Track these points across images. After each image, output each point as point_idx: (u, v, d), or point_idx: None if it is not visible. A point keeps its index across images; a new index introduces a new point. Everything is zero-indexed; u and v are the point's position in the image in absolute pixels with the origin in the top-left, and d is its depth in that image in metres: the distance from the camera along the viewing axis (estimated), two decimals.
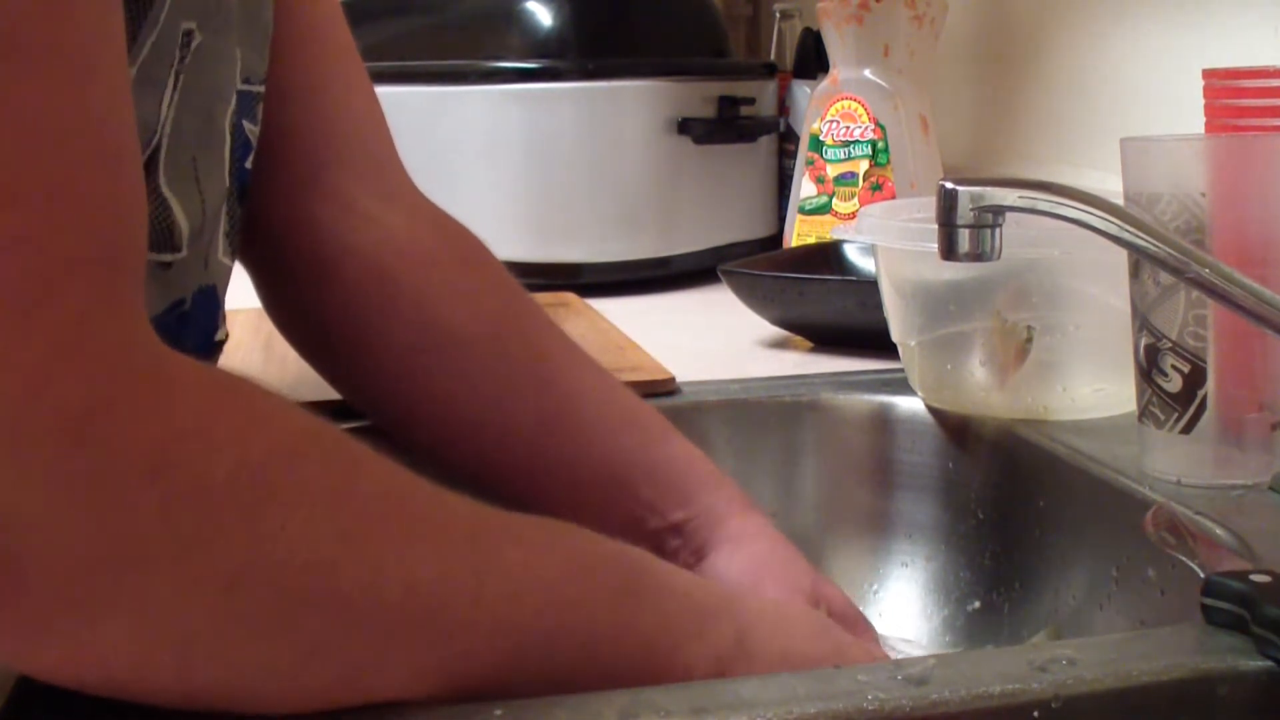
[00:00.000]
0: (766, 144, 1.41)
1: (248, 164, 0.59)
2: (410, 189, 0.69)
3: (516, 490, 0.65)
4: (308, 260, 0.64)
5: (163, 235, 0.51)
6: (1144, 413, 0.64)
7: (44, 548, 0.32)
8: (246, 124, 0.58)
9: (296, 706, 0.39)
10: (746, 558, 0.65)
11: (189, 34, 0.50)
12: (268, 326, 0.71)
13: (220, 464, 0.35)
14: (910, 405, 0.81)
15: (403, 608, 0.40)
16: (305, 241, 0.64)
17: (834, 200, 1.23)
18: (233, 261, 0.60)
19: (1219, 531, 0.56)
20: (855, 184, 1.22)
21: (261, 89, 0.59)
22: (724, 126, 1.32)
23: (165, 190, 0.51)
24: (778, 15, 1.59)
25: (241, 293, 0.65)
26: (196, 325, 0.55)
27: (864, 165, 1.21)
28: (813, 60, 1.44)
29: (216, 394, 0.37)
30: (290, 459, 0.38)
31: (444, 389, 0.65)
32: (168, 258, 0.52)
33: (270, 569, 0.36)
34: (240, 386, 0.38)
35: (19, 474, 0.32)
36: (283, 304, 0.67)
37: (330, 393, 0.68)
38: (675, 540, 0.65)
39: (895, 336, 0.81)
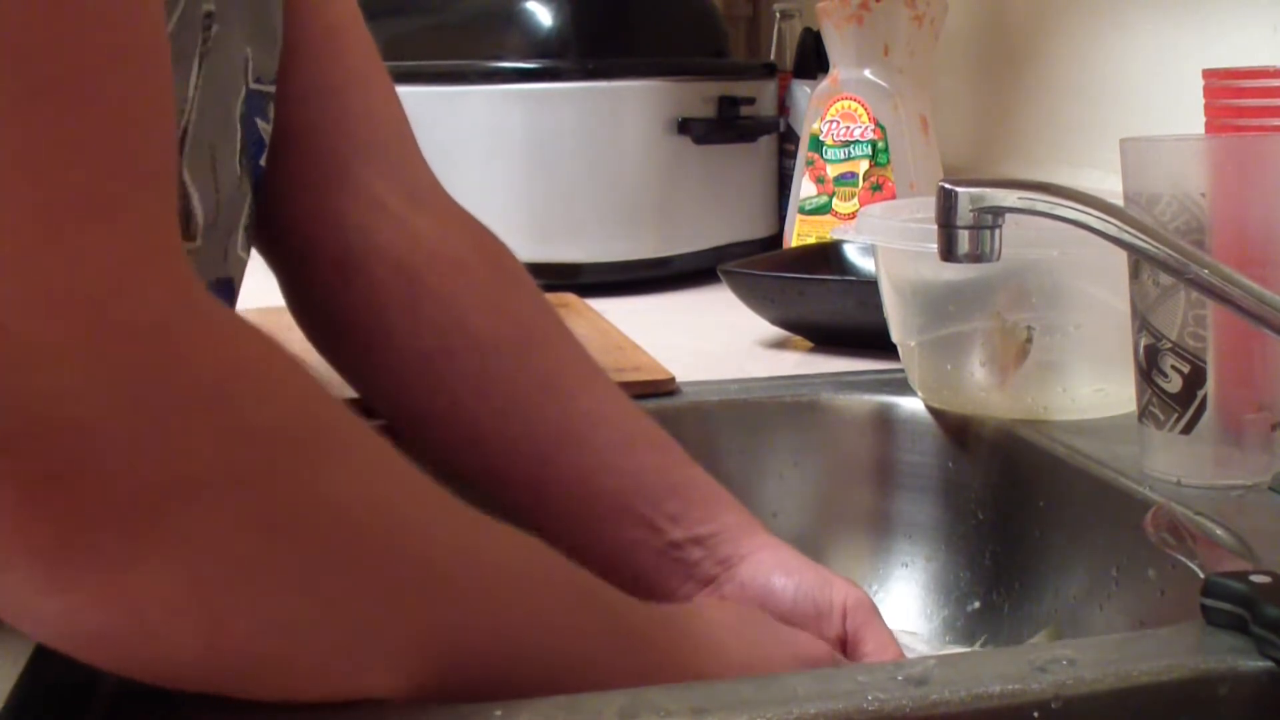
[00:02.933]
0: (766, 144, 1.41)
1: (262, 161, 0.59)
2: (438, 192, 0.69)
3: (527, 499, 0.65)
4: (333, 257, 0.64)
5: (181, 223, 0.51)
6: (1144, 413, 0.64)
7: (104, 464, 0.31)
8: (260, 122, 0.58)
9: (299, 685, 0.39)
10: (788, 555, 0.66)
11: (210, 16, 0.51)
12: (268, 328, 0.71)
13: (274, 406, 0.36)
14: (910, 405, 0.81)
15: (417, 581, 0.40)
16: (331, 238, 0.64)
17: (834, 200, 1.23)
18: (249, 256, 0.60)
19: (1219, 531, 0.57)
20: (855, 184, 1.22)
21: (272, 89, 0.59)
22: (724, 126, 1.32)
23: (185, 176, 0.51)
24: (778, 15, 1.59)
25: (242, 294, 0.65)
26: None
27: (864, 165, 1.21)
28: (813, 60, 1.44)
29: (266, 341, 0.37)
30: (334, 420, 0.39)
31: (463, 393, 0.65)
32: (186, 246, 0.52)
33: (307, 524, 0.37)
34: (283, 348, 0.38)
35: (97, 379, 0.31)
36: (305, 299, 0.67)
37: (340, 392, 0.68)
38: (698, 551, 0.65)
39: (895, 336, 0.81)
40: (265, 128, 0.59)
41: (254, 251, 0.66)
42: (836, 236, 1.03)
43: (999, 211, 0.58)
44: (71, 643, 0.35)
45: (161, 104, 0.35)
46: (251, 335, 0.37)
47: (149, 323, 0.32)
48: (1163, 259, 0.53)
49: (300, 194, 0.64)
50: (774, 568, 0.65)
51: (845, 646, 0.63)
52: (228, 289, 0.57)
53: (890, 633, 0.64)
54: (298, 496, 0.36)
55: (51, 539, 0.32)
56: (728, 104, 1.32)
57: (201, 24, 0.50)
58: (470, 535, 0.44)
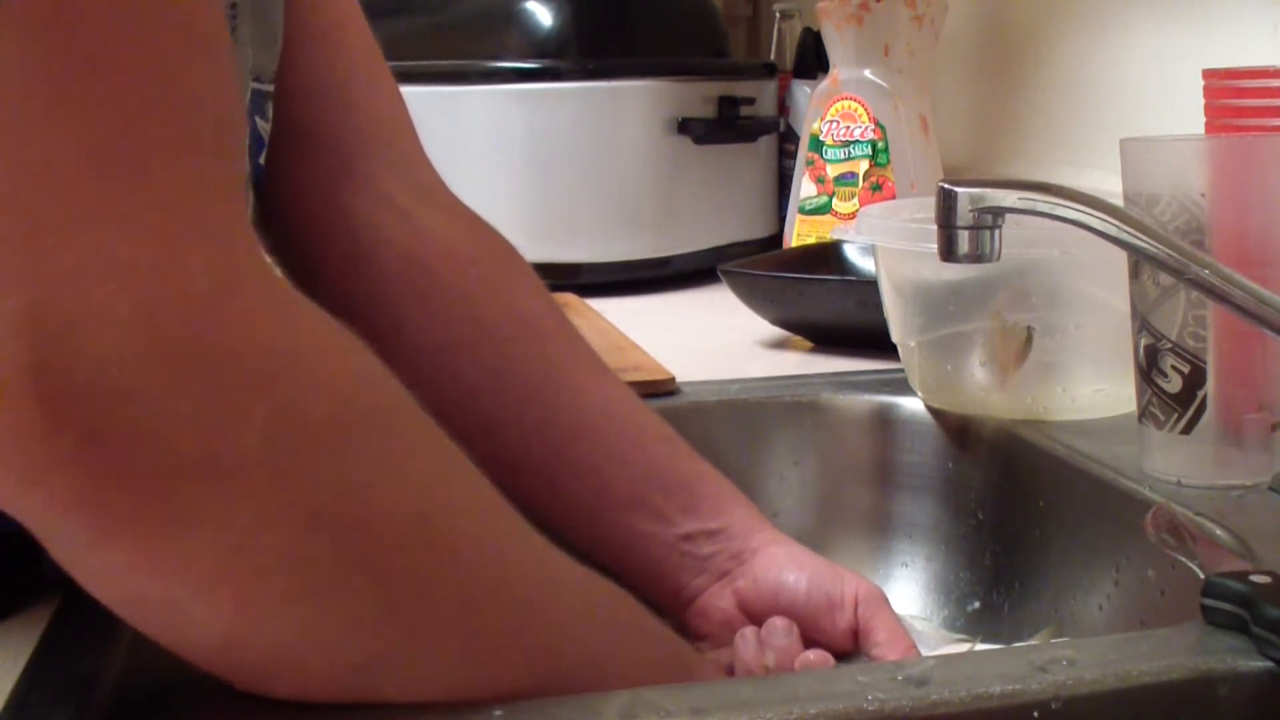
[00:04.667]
0: (766, 144, 1.41)
1: (261, 159, 0.59)
2: (443, 188, 0.69)
3: (537, 491, 0.65)
4: (342, 251, 0.64)
5: None
6: (1144, 413, 0.64)
7: (152, 432, 0.32)
8: (258, 120, 0.58)
9: (321, 689, 0.38)
10: (798, 551, 0.66)
11: (234, 7, 0.51)
12: None
13: (323, 400, 0.35)
14: (910, 405, 0.80)
15: (452, 610, 0.40)
16: (339, 233, 0.64)
17: (834, 200, 1.23)
18: None
19: (1219, 532, 0.56)
20: (855, 184, 1.22)
21: (270, 88, 0.59)
22: (724, 126, 1.32)
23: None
24: (778, 15, 1.59)
25: None
26: None
27: (864, 165, 1.21)
28: (813, 60, 1.44)
29: (330, 330, 0.37)
30: (389, 426, 0.38)
31: (474, 384, 0.65)
32: None
33: (345, 525, 0.36)
34: (349, 335, 0.38)
35: (149, 347, 0.31)
36: (312, 296, 0.67)
37: None
38: (710, 545, 0.66)
39: (895, 337, 0.81)
40: (264, 126, 0.59)
41: None
42: (836, 236, 1.03)
43: (999, 211, 0.58)
44: (113, 602, 0.36)
45: (217, 72, 0.35)
46: (314, 315, 0.37)
47: (196, 295, 0.32)
48: (1163, 259, 0.53)
49: (306, 190, 0.64)
50: (786, 563, 0.65)
51: (857, 637, 0.64)
52: None
53: (900, 623, 0.64)
54: (341, 498, 0.36)
55: (95, 496, 0.32)
56: (728, 104, 1.32)
57: (228, 14, 0.50)
58: (528, 558, 0.44)
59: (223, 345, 0.33)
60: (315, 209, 0.64)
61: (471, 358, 0.65)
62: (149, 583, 0.34)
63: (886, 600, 0.65)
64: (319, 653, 0.38)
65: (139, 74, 0.32)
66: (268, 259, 0.36)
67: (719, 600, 0.66)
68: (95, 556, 0.34)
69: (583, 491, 0.65)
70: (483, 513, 0.42)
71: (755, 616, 0.65)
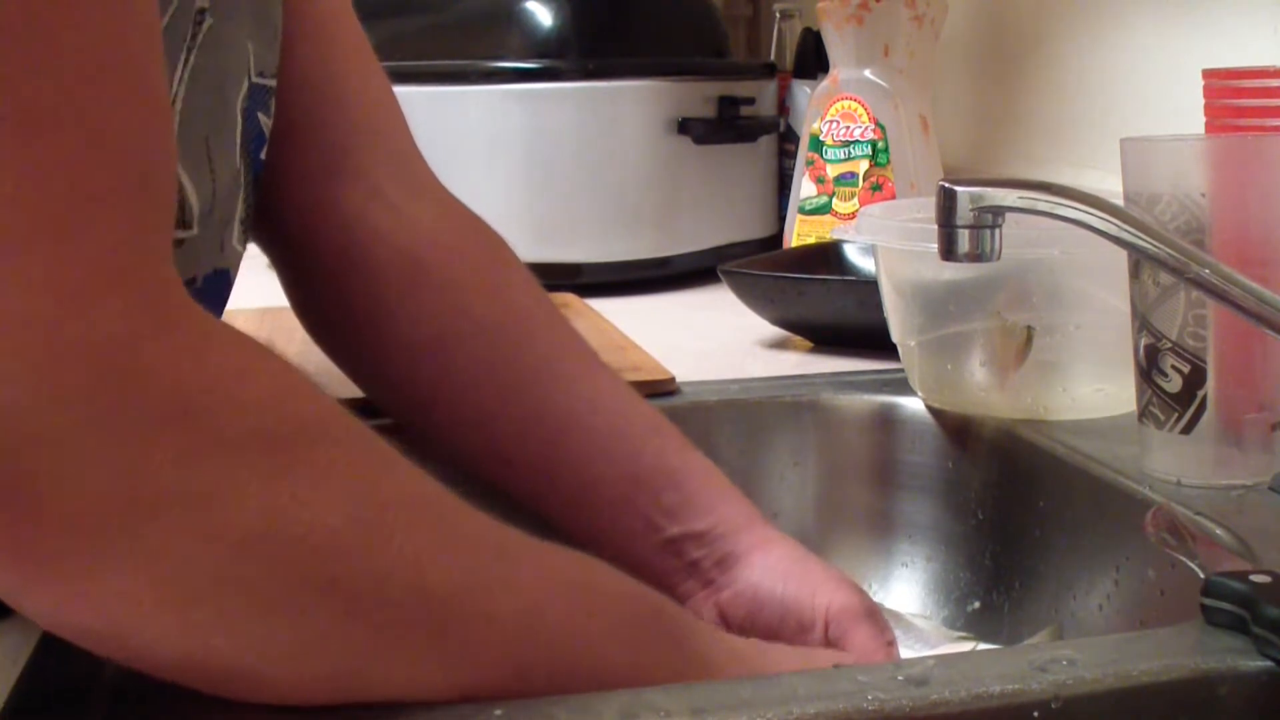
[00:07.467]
0: (766, 144, 1.41)
1: (262, 155, 0.59)
2: (436, 184, 0.69)
3: (530, 486, 0.65)
4: (334, 245, 0.64)
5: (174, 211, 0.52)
6: (1144, 413, 0.64)
7: (63, 477, 0.32)
8: (261, 115, 0.58)
9: (296, 697, 0.39)
10: (781, 557, 0.65)
11: (202, 13, 0.51)
12: (268, 328, 0.71)
13: (243, 422, 0.35)
14: (910, 405, 0.81)
15: (409, 610, 0.39)
16: (332, 227, 0.64)
17: (834, 200, 1.23)
18: (244, 249, 0.60)
19: (1219, 531, 0.57)
20: (855, 184, 1.22)
21: (273, 83, 0.59)
22: (724, 126, 1.32)
23: (177, 167, 0.51)
24: (778, 15, 1.59)
25: (241, 294, 0.65)
26: (206, 306, 0.56)
27: (864, 165, 1.21)
28: (813, 60, 1.44)
29: (248, 355, 0.37)
30: (316, 438, 0.38)
31: (467, 376, 0.65)
32: (180, 235, 0.52)
33: (280, 542, 0.36)
34: (272, 356, 0.38)
35: (50, 396, 0.31)
36: (306, 290, 0.67)
37: (344, 392, 0.68)
38: (697, 549, 0.65)
39: (895, 336, 0.81)
40: (266, 122, 0.59)
41: (257, 251, 0.66)
42: (836, 236, 1.03)
43: (999, 211, 0.58)
44: (63, 633, 0.36)
45: (144, 116, 0.34)
46: (231, 343, 0.36)
47: (107, 340, 0.32)
48: (1163, 259, 0.53)
49: (299, 183, 0.64)
50: (763, 575, 0.64)
51: None
52: (224, 280, 0.57)
53: (877, 638, 0.62)
54: (269, 515, 0.36)
55: (15, 543, 0.32)
56: (728, 104, 1.32)
57: (194, 19, 0.50)
58: (486, 538, 0.43)
59: (133, 388, 0.33)
60: (308, 203, 0.64)
61: (463, 350, 0.65)
62: (89, 618, 0.34)
63: (861, 614, 0.63)
64: (281, 666, 0.38)
65: (55, 126, 0.32)
66: (188, 295, 0.36)
67: (702, 612, 0.65)
68: (31, 599, 0.34)
69: (575, 487, 0.65)
70: (423, 505, 0.41)
71: (735, 631, 0.65)
